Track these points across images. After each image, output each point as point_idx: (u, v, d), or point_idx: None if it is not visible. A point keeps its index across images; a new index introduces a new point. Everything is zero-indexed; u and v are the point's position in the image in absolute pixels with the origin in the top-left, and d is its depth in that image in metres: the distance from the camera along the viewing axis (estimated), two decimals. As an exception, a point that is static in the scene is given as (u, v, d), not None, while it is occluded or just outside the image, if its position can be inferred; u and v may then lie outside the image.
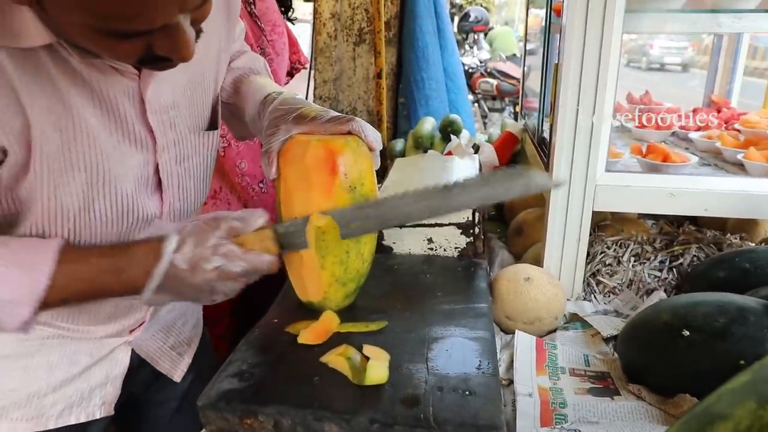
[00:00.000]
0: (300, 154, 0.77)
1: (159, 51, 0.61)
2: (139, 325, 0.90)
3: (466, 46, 7.13)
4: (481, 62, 6.62)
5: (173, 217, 0.85)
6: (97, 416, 0.89)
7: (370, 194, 0.83)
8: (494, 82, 6.17)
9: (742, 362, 0.67)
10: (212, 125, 0.89)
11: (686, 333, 0.72)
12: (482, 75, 6.32)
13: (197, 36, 0.64)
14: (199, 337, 1.06)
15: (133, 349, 0.91)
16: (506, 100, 6.17)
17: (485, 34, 7.70)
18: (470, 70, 6.37)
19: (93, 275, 0.68)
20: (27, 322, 0.66)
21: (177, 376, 0.99)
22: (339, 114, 0.80)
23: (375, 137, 0.81)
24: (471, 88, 6.30)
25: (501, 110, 6.29)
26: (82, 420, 0.87)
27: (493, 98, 6.27)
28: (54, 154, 0.67)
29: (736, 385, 0.46)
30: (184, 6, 0.58)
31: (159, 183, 0.80)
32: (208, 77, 0.86)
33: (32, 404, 0.83)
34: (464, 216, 1.08)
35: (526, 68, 2.05)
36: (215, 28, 0.85)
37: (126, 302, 0.85)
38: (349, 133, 0.79)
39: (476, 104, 6.42)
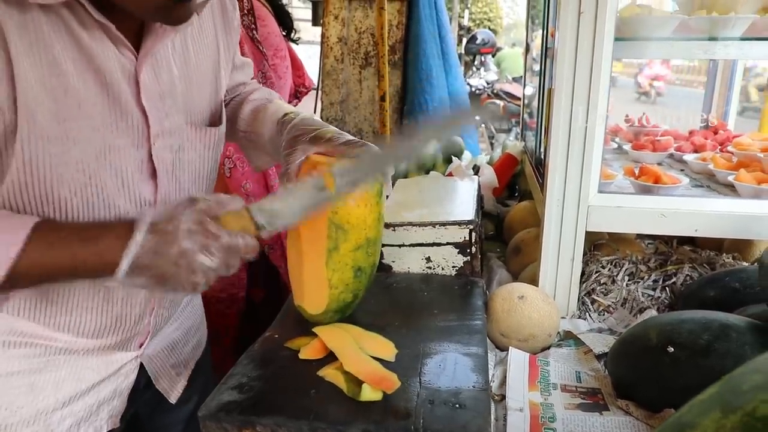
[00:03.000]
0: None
1: None
2: (146, 337, 0.91)
3: (474, 68, 7.22)
4: (488, 83, 6.71)
5: None
6: (104, 430, 0.90)
7: (376, 216, 0.87)
8: (501, 103, 6.24)
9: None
10: (212, 124, 0.90)
11: (671, 350, 0.74)
12: (489, 96, 6.39)
13: None
14: (196, 359, 1.07)
15: (141, 364, 0.92)
16: (513, 120, 6.22)
17: (493, 55, 7.80)
18: (477, 92, 6.45)
19: (66, 247, 0.66)
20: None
21: (173, 396, 0.99)
22: (353, 138, 0.84)
23: None
24: (478, 109, 6.36)
25: (508, 131, 6.34)
26: None
27: (501, 118, 6.33)
28: (48, 122, 0.66)
29: (705, 396, 0.48)
30: None
31: (154, 171, 0.80)
32: (206, 77, 0.89)
33: (40, 420, 0.83)
34: (461, 236, 1.11)
35: (526, 91, 2.10)
36: (209, 32, 0.89)
37: (130, 308, 0.86)
38: None
39: (483, 125, 6.48)
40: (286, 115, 0.91)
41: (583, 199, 1.04)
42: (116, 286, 0.68)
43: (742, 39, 1.05)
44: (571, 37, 0.98)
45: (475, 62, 7.47)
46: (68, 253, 0.67)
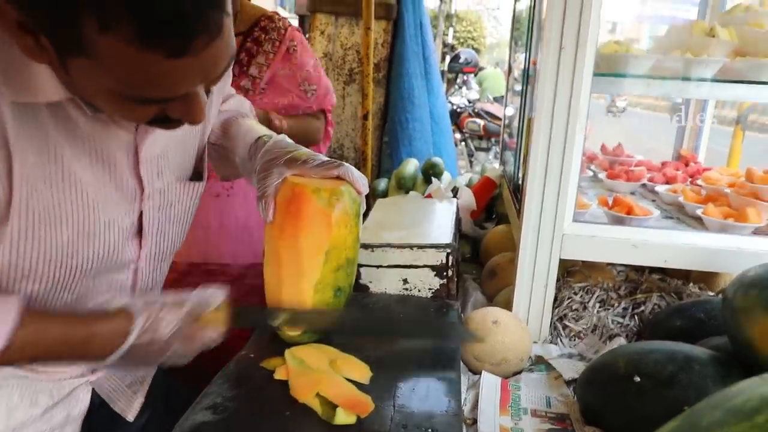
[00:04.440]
0: (305, 201, 0.82)
1: (172, 114, 0.65)
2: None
3: (456, 86, 7.32)
4: (469, 102, 6.80)
5: (149, 261, 0.87)
6: None
7: (355, 236, 0.88)
8: (481, 122, 6.33)
9: (685, 408, 0.71)
10: (197, 176, 0.92)
11: (637, 379, 0.76)
12: (470, 115, 6.48)
13: (207, 97, 0.68)
14: (151, 375, 1.05)
15: (93, 389, 0.91)
16: (493, 140, 6.32)
17: (475, 75, 7.93)
18: (458, 110, 6.53)
19: (51, 345, 0.70)
20: None
21: (131, 415, 0.98)
22: (328, 159, 0.86)
23: (362, 182, 0.86)
24: (459, 127, 6.45)
25: (487, 150, 6.43)
26: None
27: (480, 138, 6.42)
28: (43, 209, 0.69)
29: (666, 430, 0.50)
30: (206, 78, 0.63)
31: (140, 229, 0.83)
32: (196, 130, 0.90)
33: None
34: (438, 259, 1.13)
35: (507, 111, 2.14)
36: None
37: None
38: (338, 177, 0.85)
39: (463, 143, 6.56)
40: (259, 138, 0.92)
41: (558, 227, 1.07)
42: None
43: (714, 80, 1.10)
44: (552, 70, 1.02)
45: (458, 80, 7.58)
46: (52, 350, 0.71)
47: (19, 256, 0.69)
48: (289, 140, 0.93)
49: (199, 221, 1.47)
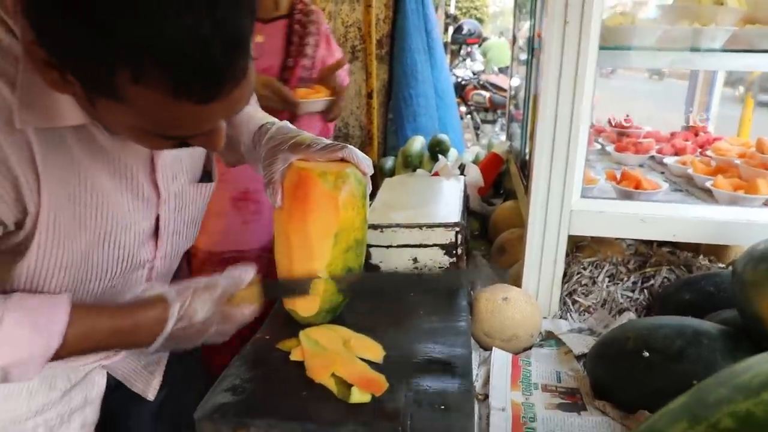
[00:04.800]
0: (311, 185, 0.83)
1: (194, 143, 0.67)
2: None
3: (460, 58, 7.22)
4: (474, 74, 6.72)
5: (163, 261, 0.89)
6: None
7: (363, 217, 0.89)
8: (487, 94, 6.26)
9: (694, 382, 0.73)
10: (207, 176, 0.94)
11: (646, 354, 0.78)
12: (475, 87, 6.41)
13: None
14: (166, 356, 1.07)
15: (108, 372, 0.94)
16: (499, 112, 6.26)
17: (479, 45, 7.81)
18: (463, 82, 6.46)
19: (102, 337, 0.74)
20: (32, 378, 0.71)
21: (150, 394, 1.00)
22: (331, 142, 0.86)
23: (366, 163, 0.87)
24: (464, 100, 6.39)
25: (493, 122, 6.37)
26: None
27: (486, 110, 6.35)
28: (65, 222, 0.71)
29: (675, 405, 0.51)
30: (229, 116, 0.64)
31: (155, 231, 0.85)
32: None
33: (14, 429, 0.85)
34: (447, 237, 1.14)
35: (513, 82, 2.12)
36: None
37: None
38: (342, 159, 0.85)
39: (469, 116, 6.50)
40: (261, 126, 0.92)
41: (566, 203, 1.07)
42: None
43: (723, 50, 1.09)
44: (557, 46, 1.01)
45: (461, 52, 7.48)
46: (101, 343, 0.75)
47: (40, 266, 0.72)
48: (291, 126, 0.94)
49: (217, 212, 1.50)
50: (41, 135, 0.65)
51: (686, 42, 1.07)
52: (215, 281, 0.79)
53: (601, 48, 1.02)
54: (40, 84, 0.61)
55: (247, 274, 0.82)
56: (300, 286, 0.87)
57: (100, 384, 0.93)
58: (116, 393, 0.96)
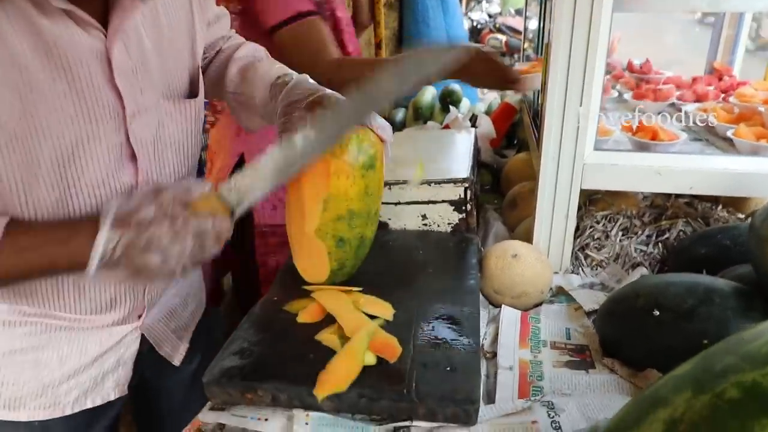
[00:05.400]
0: None
1: None
2: (144, 310, 0.93)
3: (475, 1, 6.95)
4: (490, 17, 6.47)
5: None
6: (112, 398, 0.93)
7: (379, 182, 0.88)
8: (503, 38, 6.04)
9: (705, 341, 0.72)
10: (190, 94, 0.88)
11: (657, 313, 0.76)
12: (491, 31, 6.19)
13: None
14: (196, 321, 1.09)
15: (142, 334, 0.94)
16: (515, 56, 6.05)
17: (496, -14, 7.49)
18: (479, 26, 6.24)
19: (37, 245, 0.68)
20: None
21: (177, 359, 1.02)
22: None
23: (386, 130, 0.84)
24: (480, 45, 6.19)
25: (511, 66, 6.18)
26: (98, 403, 0.91)
27: (503, 54, 6.15)
28: (15, 121, 0.66)
29: (680, 372, 0.50)
30: None
31: (133, 153, 0.78)
32: (181, 45, 0.86)
33: (48, 393, 0.86)
34: (456, 194, 1.12)
35: (529, 24, 2.03)
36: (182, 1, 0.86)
37: (123, 287, 0.87)
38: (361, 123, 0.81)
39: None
40: (279, 78, 0.89)
41: (579, 157, 1.04)
42: (92, 279, 0.68)
43: (749, -11, 1.02)
44: (571, -12, 0.95)
45: (477, -7, 7.18)
46: (40, 256, 0.68)
47: (2, 176, 0.68)
48: (311, 81, 0.89)
49: None
50: None
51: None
52: (164, 185, 0.69)
53: (619, -10, 0.96)
54: None
55: (197, 184, 0.71)
56: (262, 174, 0.73)
57: (133, 346, 0.94)
58: (148, 358, 0.98)
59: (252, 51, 1.04)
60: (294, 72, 0.93)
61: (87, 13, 0.68)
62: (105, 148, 0.74)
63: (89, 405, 0.91)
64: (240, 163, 1.47)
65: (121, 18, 0.72)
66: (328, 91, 0.84)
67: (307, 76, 0.90)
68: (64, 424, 0.89)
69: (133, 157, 0.79)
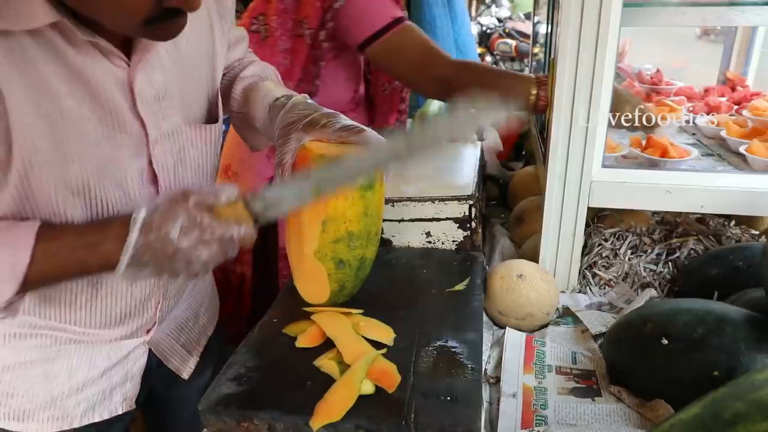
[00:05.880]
0: (307, 167, 0.79)
1: (169, 2, 0.62)
2: (153, 324, 0.94)
3: (484, 5, 6.92)
4: (499, 21, 6.44)
5: None
6: (119, 412, 0.94)
7: (379, 202, 0.86)
8: (513, 43, 6.01)
9: (716, 373, 0.69)
10: (210, 119, 0.90)
11: (665, 342, 0.74)
12: (501, 36, 6.16)
13: None
14: (208, 335, 1.10)
15: (150, 349, 0.96)
16: (525, 61, 6.02)
17: (505, -10, 7.45)
18: (488, 31, 6.21)
19: (70, 252, 0.70)
20: (10, 301, 0.71)
21: (185, 373, 1.03)
22: (350, 123, 0.81)
23: None
24: (489, 50, 6.16)
25: (520, 71, 6.14)
26: (105, 417, 0.92)
27: (512, 59, 6.12)
28: (46, 147, 0.68)
29: (687, 416, 0.48)
30: None
31: (155, 175, 0.81)
32: (202, 70, 0.87)
33: (56, 405, 0.87)
34: (461, 211, 1.10)
35: (536, 36, 2.00)
36: (204, 20, 0.86)
37: (136, 302, 0.89)
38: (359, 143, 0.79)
39: (494, 65, 6.28)
40: (277, 99, 0.88)
41: (586, 174, 1.02)
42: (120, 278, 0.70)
43: (764, 3, 0.98)
44: (576, 3, 0.93)
45: (487, -1, 7.16)
46: (71, 260, 0.70)
47: (31, 200, 0.70)
48: (310, 101, 0.89)
49: None
50: (2, 46, 0.62)
51: (722, -6, 0.98)
52: (189, 190, 0.70)
53: (626, 5, 0.94)
54: None
55: (226, 188, 0.71)
56: (293, 191, 0.74)
57: (140, 360, 0.95)
58: (157, 372, 0.99)
59: (259, 70, 1.03)
60: (294, 93, 0.91)
61: (111, 43, 0.70)
62: (129, 171, 0.77)
63: (97, 419, 0.91)
64: None
65: (144, 49, 0.73)
66: (325, 110, 0.83)
67: (306, 96, 0.89)
68: None
69: (155, 178, 0.81)
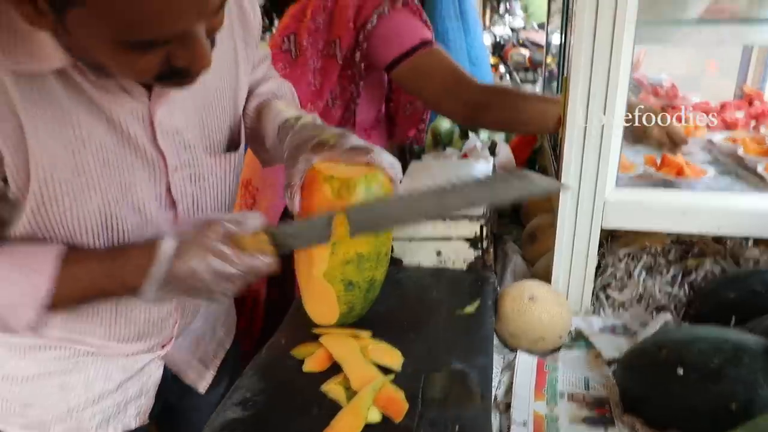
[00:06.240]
0: (317, 189, 0.79)
1: (177, 63, 0.63)
2: (170, 340, 0.95)
3: (498, 15, 6.92)
4: (513, 31, 6.42)
5: None
6: (133, 426, 0.95)
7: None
8: (527, 53, 5.98)
9: (733, 405, 0.67)
10: (232, 146, 0.90)
11: (680, 371, 0.72)
12: (514, 45, 6.13)
13: (212, 46, 0.66)
14: (225, 349, 1.10)
15: (165, 364, 0.96)
16: (539, 71, 5.99)
17: (519, -1, 7.44)
18: (502, 42, 6.19)
19: (93, 279, 0.71)
20: (33, 325, 0.71)
21: (202, 387, 1.04)
22: (358, 143, 0.80)
23: (395, 169, 0.81)
24: (503, 60, 6.13)
25: (533, 82, 6.11)
26: (119, 431, 0.93)
27: (526, 70, 6.09)
28: (68, 178, 0.69)
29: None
30: (202, 11, 0.60)
31: (173, 201, 0.82)
32: (225, 99, 0.87)
33: (72, 417, 0.89)
34: (472, 230, 1.09)
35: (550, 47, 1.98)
36: (229, 50, 0.86)
37: (154, 320, 0.89)
38: (369, 163, 0.80)
39: (508, 75, 6.25)
40: (286, 121, 0.88)
41: (599, 194, 1.00)
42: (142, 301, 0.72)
43: (781, 20, 0.97)
44: (589, 21, 0.91)
45: (500, 8, 7.14)
46: (95, 286, 0.71)
47: (51, 224, 0.71)
48: (319, 121, 0.89)
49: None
50: (21, 81, 0.63)
51: (737, 13, 0.96)
52: (217, 218, 0.71)
53: (640, 23, 0.92)
54: (20, 27, 0.60)
55: (252, 218, 0.73)
56: (315, 230, 0.76)
57: (156, 375, 0.95)
58: (171, 386, 0.99)
59: (275, 88, 1.03)
60: (305, 114, 0.91)
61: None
62: (147, 197, 0.78)
63: None
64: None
65: None
66: (334, 129, 0.82)
67: (316, 116, 0.88)
68: None
69: (173, 204, 0.82)
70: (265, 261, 0.71)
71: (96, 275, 0.71)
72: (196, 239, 0.69)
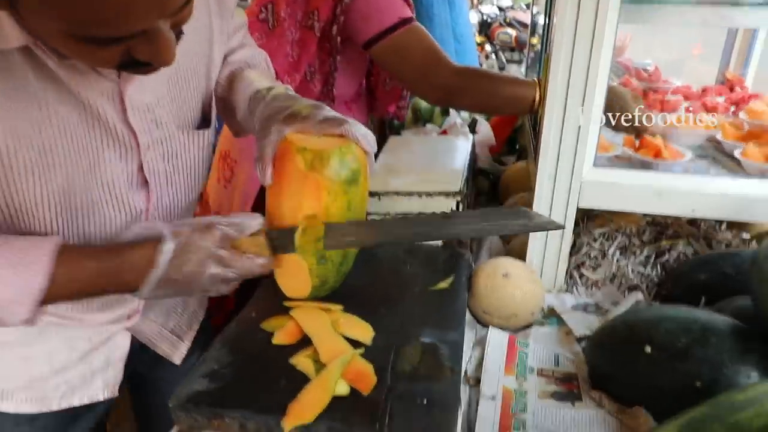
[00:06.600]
0: (289, 160, 0.77)
1: (138, 56, 0.60)
2: (136, 312, 0.93)
3: (486, -7, 6.84)
4: (501, 10, 6.37)
5: (161, 212, 0.85)
6: (100, 398, 0.93)
7: (362, 196, 0.84)
8: (513, 32, 5.95)
9: (698, 384, 0.68)
10: (204, 123, 0.88)
11: (648, 350, 0.72)
12: (501, 25, 6.09)
13: (178, 39, 0.63)
14: (199, 321, 1.09)
15: (132, 335, 0.94)
16: (524, 51, 5.96)
17: (508, -23, 7.36)
18: (489, 20, 6.14)
19: (88, 278, 0.70)
20: (28, 320, 0.69)
21: (177, 358, 1.03)
22: (331, 114, 0.78)
23: (368, 140, 0.80)
24: (489, 39, 6.09)
25: (519, 62, 6.09)
26: (85, 402, 0.91)
27: (512, 49, 6.06)
28: (34, 157, 0.67)
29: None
30: (163, 12, 0.57)
31: (145, 180, 0.80)
32: (198, 76, 0.85)
33: (34, 387, 0.87)
34: (448, 206, 1.08)
35: (535, 27, 1.97)
36: (203, 25, 0.84)
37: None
38: (342, 135, 0.78)
39: (494, 55, 6.22)
40: (258, 92, 0.85)
41: (577, 174, 1.00)
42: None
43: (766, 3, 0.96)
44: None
45: (489, -14, 7.06)
46: (90, 284, 0.71)
47: (11, 200, 0.69)
48: (291, 92, 0.86)
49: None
50: None
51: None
52: (216, 220, 0.73)
53: (624, 1, 0.91)
54: None
55: (252, 219, 0.75)
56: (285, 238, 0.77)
57: (123, 346, 0.93)
58: (140, 356, 0.97)
59: (248, 56, 1.00)
60: (278, 84, 0.89)
61: None
62: (117, 174, 0.76)
63: (76, 403, 0.91)
64: None
65: None
66: (305, 100, 0.80)
67: (288, 87, 0.86)
68: (51, 418, 0.90)
69: (145, 183, 0.81)
70: (261, 263, 0.74)
71: (92, 273, 0.70)
72: (195, 243, 0.70)
